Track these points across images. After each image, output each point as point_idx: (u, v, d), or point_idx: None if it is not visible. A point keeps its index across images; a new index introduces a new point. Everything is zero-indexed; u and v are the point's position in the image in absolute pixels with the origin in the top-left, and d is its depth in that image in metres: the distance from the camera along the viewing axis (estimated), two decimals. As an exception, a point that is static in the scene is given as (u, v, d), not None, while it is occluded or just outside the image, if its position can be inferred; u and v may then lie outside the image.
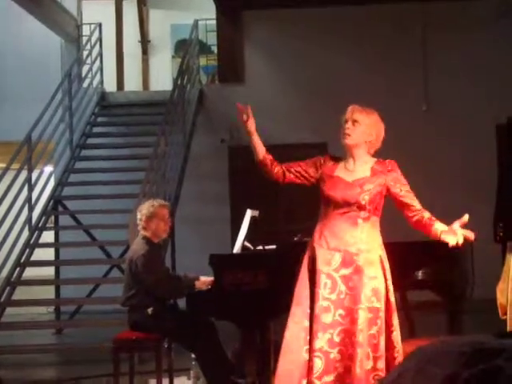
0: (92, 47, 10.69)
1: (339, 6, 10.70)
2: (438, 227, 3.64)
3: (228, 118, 10.74)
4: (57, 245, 9.26)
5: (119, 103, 11.01)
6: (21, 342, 8.02)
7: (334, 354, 3.54)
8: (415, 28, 10.62)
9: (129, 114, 10.75)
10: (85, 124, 10.19)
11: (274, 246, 4.96)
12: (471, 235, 3.62)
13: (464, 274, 4.71)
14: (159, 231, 5.21)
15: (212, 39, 11.59)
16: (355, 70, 10.59)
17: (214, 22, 11.25)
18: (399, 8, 10.61)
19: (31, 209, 8.52)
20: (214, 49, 11.63)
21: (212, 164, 10.73)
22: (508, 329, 4.08)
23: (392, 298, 3.64)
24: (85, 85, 10.67)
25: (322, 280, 3.62)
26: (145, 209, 5.21)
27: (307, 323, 3.62)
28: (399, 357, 3.57)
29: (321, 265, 3.65)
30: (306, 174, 3.82)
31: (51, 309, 9.70)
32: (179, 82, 9.83)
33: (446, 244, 3.62)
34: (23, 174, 8.44)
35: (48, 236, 9.25)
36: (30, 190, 8.54)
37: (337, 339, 3.56)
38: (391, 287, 3.65)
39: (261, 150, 3.90)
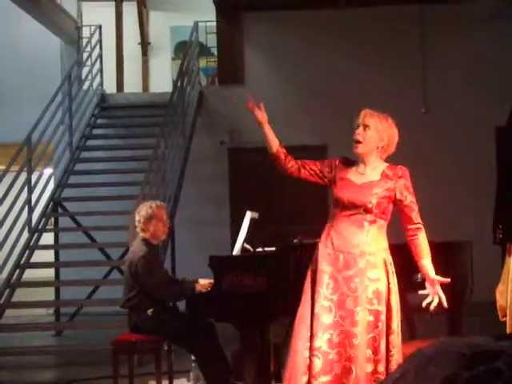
0: (92, 49, 10.70)
1: (338, 9, 10.71)
2: (425, 265, 3.70)
3: (228, 120, 10.76)
4: (56, 246, 9.26)
5: (119, 105, 11.01)
6: (20, 344, 8.01)
7: (333, 354, 3.55)
8: (414, 30, 10.63)
9: (129, 115, 10.75)
10: (84, 126, 10.19)
11: (273, 248, 4.97)
12: (444, 302, 3.68)
13: (463, 276, 4.72)
14: (158, 233, 5.21)
15: (212, 41, 11.59)
16: (354, 71, 10.60)
17: (214, 23, 11.26)
18: (398, 10, 10.62)
19: (31, 210, 8.52)
20: (214, 51, 11.64)
21: (212, 166, 10.73)
22: (508, 331, 4.08)
23: (394, 302, 3.63)
24: (85, 87, 10.68)
25: (325, 280, 3.64)
26: (143, 210, 5.20)
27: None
28: (393, 361, 3.56)
29: (324, 265, 3.67)
30: (320, 174, 3.84)
31: (51, 311, 9.70)
32: (179, 84, 9.83)
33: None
34: (23, 176, 8.44)
35: (48, 238, 9.24)
36: (30, 191, 8.54)
37: (336, 340, 3.56)
38: (394, 291, 3.65)
39: (274, 143, 3.89)
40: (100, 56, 11.00)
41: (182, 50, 11.44)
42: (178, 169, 9.28)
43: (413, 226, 3.72)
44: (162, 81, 11.90)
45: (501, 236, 4.02)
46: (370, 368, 3.55)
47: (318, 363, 3.54)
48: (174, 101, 9.50)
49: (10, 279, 7.96)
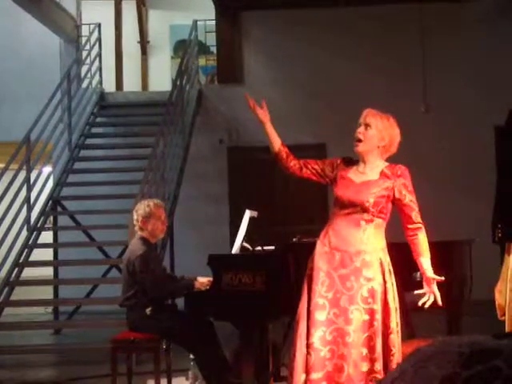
0: (91, 47, 10.69)
1: (338, 8, 10.71)
2: (423, 263, 3.72)
3: (227, 119, 10.76)
4: (55, 245, 9.26)
5: (118, 103, 11.01)
6: (19, 343, 8.01)
7: (325, 352, 3.56)
8: (414, 29, 10.62)
9: (128, 114, 10.75)
10: (84, 124, 10.19)
11: (272, 247, 4.97)
12: (439, 301, 3.70)
13: (462, 275, 4.72)
14: (156, 231, 5.20)
15: (211, 40, 11.59)
16: (354, 70, 10.60)
17: (213, 22, 11.25)
18: (398, 9, 10.62)
19: (30, 209, 8.52)
20: (213, 49, 11.64)
21: (211, 164, 10.74)
22: (506, 329, 4.08)
23: (391, 301, 3.62)
24: (84, 85, 10.67)
25: (321, 278, 3.65)
26: (141, 209, 5.19)
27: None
28: (394, 360, 3.56)
29: (321, 263, 3.68)
30: (321, 173, 3.85)
31: (49, 309, 9.70)
32: (178, 83, 9.83)
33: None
34: (22, 174, 8.44)
35: (46, 236, 9.24)
36: (29, 190, 8.53)
37: (329, 338, 3.57)
38: (391, 290, 3.65)
39: (276, 142, 3.91)
40: (99, 54, 11.00)
41: (182, 48, 11.44)
42: (177, 167, 9.28)
43: (412, 226, 3.71)
44: (162, 79, 11.90)
45: (500, 235, 4.03)
46: (365, 367, 3.55)
47: (310, 360, 3.56)
48: (173, 99, 9.50)
49: (9, 277, 7.96)
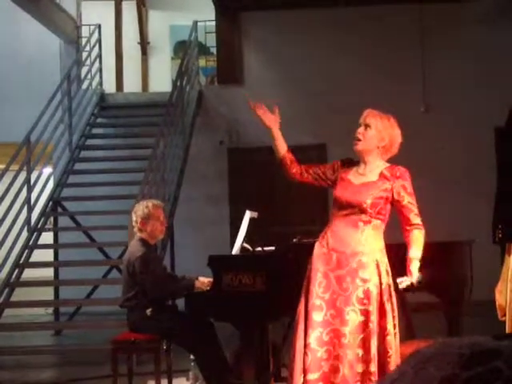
0: (91, 48, 10.69)
1: (338, 8, 10.71)
2: (411, 257, 3.68)
3: (227, 120, 10.76)
4: (56, 246, 9.26)
5: (118, 104, 11.01)
6: (19, 344, 8.01)
7: (321, 352, 3.56)
8: (414, 29, 10.63)
9: (128, 115, 10.75)
10: (84, 125, 10.19)
11: (272, 248, 4.97)
12: (414, 282, 3.67)
13: (462, 276, 4.71)
14: (155, 232, 5.20)
15: (211, 41, 11.59)
16: (354, 71, 10.60)
17: (214, 23, 11.25)
18: (398, 9, 10.62)
19: (30, 210, 8.52)
20: (214, 50, 11.64)
21: (211, 165, 10.74)
22: (507, 330, 4.08)
23: (387, 303, 3.61)
24: (84, 86, 10.68)
25: (318, 278, 3.65)
26: (139, 210, 5.19)
27: None
28: (391, 362, 3.55)
29: (318, 264, 3.69)
30: (323, 176, 3.86)
31: (50, 310, 9.70)
32: (178, 84, 9.83)
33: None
34: (22, 175, 8.44)
35: (47, 237, 9.24)
36: (29, 190, 8.54)
37: (326, 338, 3.57)
38: (387, 292, 3.63)
39: (282, 148, 3.92)
40: (99, 55, 11.00)
41: (182, 49, 11.44)
42: (177, 168, 9.28)
43: (410, 228, 3.71)
44: (162, 80, 11.90)
45: (500, 235, 4.03)
46: (361, 368, 3.54)
47: (307, 360, 3.56)
48: (173, 100, 9.50)
49: (9, 278, 7.96)
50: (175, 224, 9.16)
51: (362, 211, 3.65)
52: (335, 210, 3.75)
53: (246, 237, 4.82)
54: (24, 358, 7.44)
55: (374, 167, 3.75)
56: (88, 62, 10.66)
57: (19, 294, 8.35)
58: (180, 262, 9.04)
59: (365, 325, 3.56)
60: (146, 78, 12.29)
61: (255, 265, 4.42)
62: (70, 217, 9.36)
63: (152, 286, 4.98)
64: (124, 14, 11.77)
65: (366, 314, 3.56)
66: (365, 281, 3.59)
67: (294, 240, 4.65)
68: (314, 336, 3.57)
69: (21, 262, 8.18)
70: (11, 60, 11.22)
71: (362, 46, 10.65)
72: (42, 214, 8.84)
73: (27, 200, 8.50)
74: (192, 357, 5.18)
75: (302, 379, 3.60)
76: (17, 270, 8.10)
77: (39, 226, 8.68)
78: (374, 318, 3.56)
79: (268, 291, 4.27)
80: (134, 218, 5.22)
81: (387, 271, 3.67)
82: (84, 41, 10.92)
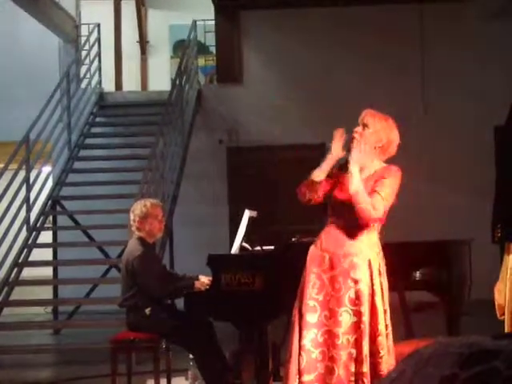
0: (90, 47, 10.69)
1: (338, 7, 10.71)
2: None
3: (226, 119, 10.76)
4: (55, 245, 9.26)
5: (117, 103, 11.01)
6: (18, 343, 8.01)
7: (316, 354, 3.56)
8: (414, 29, 10.63)
9: (127, 114, 10.75)
10: (83, 124, 10.19)
11: (272, 247, 4.97)
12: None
13: (462, 275, 4.72)
14: (154, 231, 5.19)
15: (210, 40, 11.59)
16: (353, 70, 10.59)
17: (213, 22, 11.25)
18: (398, 8, 10.62)
19: (29, 209, 8.52)
20: (213, 49, 11.63)
21: (210, 164, 10.73)
22: (506, 329, 4.08)
23: (378, 303, 3.59)
24: (83, 85, 10.67)
25: (312, 280, 3.65)
26: (137, 209, 5.18)
27: None
28: (383, 363, 3.54)
29: (312, 265, 3.69)
30: (329, 193, 3.75)
31: (49, 309, 9.69)
32: (177, 83, 9.83)
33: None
34: (21, 174, 8.44)
35: (46, 236, 9.24)
36: (28, 189, 8.53)
37: (320, 339, 3.58)
38: (379, 291, 3.60)
39: (324, 173, 3.74)
40: (98, 54, 10.99)
41: (181, 48, 11.43)
42: (176, 167, 9.28)
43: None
44: (161, 79, 11.90)
45: (499, 235, 4.02)
46: (354, 368, 3.54)
47: (302, 362, 3.57)
48: (172, 99, 9.49)
49: (8, 277, 7.96)
50: (174, 223, 9.16)
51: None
52: (330, 211, 3.75)
53: (245, 236, 4.82)
54: (23, 357, 7.44)
55: (370, 167, 3.73)
56: (87, 61, 10.66)
57: (18, 293, 8.35)
58: (179, 261, 9.03)
59: (357, 325, 3.55)
60: (145, 77, 12.29)
61: (254, 264, 4.42)
62: (69, 216, 9.36)
63: (151, 285, 4.97)
64: (123, 13, 11.77)
65: (358, 314, 3.55)
66: (356, 281, 3.58)
67: (293, 239, 4.65)
68: (309, 337, 3.57)
69: (20, 260, 8.18)
70: (10, 59, 11.21)
71: (361, 45, 10.64)
72: (41, 212, 8.84)
73: (26, 199, 8.49)
74: (191, 356, 5.18)
75: (297, 380, 3.59)
76: (16, 269, 8.10)
77: (38, 224, 8.68)
78: (365, 318, 3.55)
79: (267, 290, 4.27)
80: (131, 217, 5.22)
81: (379, 271, 3.64)
82: (83, 40, 10.91)
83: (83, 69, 10.74)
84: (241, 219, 4.89)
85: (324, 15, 10.79)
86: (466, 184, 10.16)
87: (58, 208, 9.23)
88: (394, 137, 3.78)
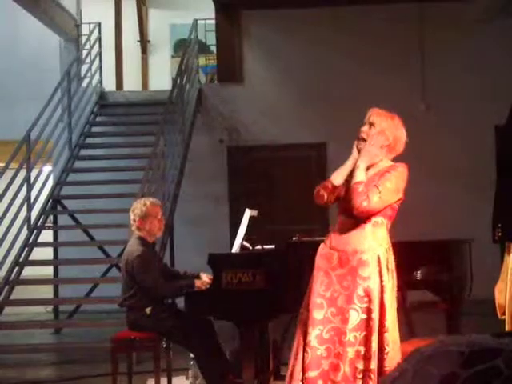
0: (91, 46, 10.69)
1: (338, 6, 10.70)
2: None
3: (227, 118, 10.76)
4: (55, 244, 9.26)
5: (118, 103, 11.01)
6: (19, 342, 8.01)
7: (321, 350, 3.57)
8: (414, 28, 10.62)
9: (128, 113, 10.75)
10: (84, 123, 10.19)
11: (272, 246, 4.97)
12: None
13: (462, 274, 4.72)
14: (154, 230, 5.20)
15: (211, 39, 11.59)
16: (354, 69, 10.59)
17: (213, 21, 11.25)
18: (398, 8, 10.61)
19: (30, 208, 8.51)
20: (213, 49, 11.63)
21: (211, 164, 10.73)
22: (506, 329, 4.08)
23: (386, 300, 3.59)
24: (84, 84, 10.67)
25: (320, 277, 3.66)
26: (137, 209, 5.18)
27: None
28: (388, 359, 3.55)
29: (321, 262, 3.69)
30: (339, 194, 3.76)
31: (50, 308, 9.70)
32: (178, 82, 9.82)
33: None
34: (22, 173, 8.43)
35: (47, 235, 9.24)
36: (29, 189, 8.53)
37: (326, 336, 3.58)
38: (388, 289, 3.61)
39: (343, 179, 3.73)
40: (99, 53, 10.99)
41: (182, 47, 11.43)
42: (177, 166, 9.28)
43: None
44: (162, 79, 11.90)
45: (500, 234, 4.02)
46: (362, 365, 3.55)
47: (307, 358, 3.57)
48: (173, 99, 9.49)
49: (9, 277, 7.96)
50: (175, 222, 9.16)
51: None
52: (339, 209, 3.77)
53: (245, 235, 4.82)
54: (23, 356, 7.44)
55: (378, 166, 3.73)
56: (88, 60, 10.65)
57: (19, 292, 8.35)
58: (180, 260, 9.03)
59: (366, 322, 3.55)
60: (146, 76, 12.29)
61: (255, 263, 4.42)
62: (70, 215, 9.36)
63: (151, 285, 4.97)
64: (124, 12, 11.77)
65: (367, 311, 3.56)
66: (365, 279, 3.58)
67: (294, 238, 4.65)
68: (315, 334, 3.58)
69: (20, 260, 8.18)
70: (11, 58, 11.21)
71: (362, 44, 10.64)
72: (42, 212, 8.84)
73: (27, 198, 8.49)
74: (191, 355, 5.18)
75: (301, 377, 3.60)
76: (16, 268, 8.09)
77: (39, 224, 8.68)
78: (375, 315, 3.56)
79: (267, 289, 4.27)
80: (132, 217, 5.22)
81: (388, 268, 3.64)
82: (84, 39, 10.91)
83: (84, 68, 10.73)
84: (241, 218, 4.89)
85: (324, 15, 10.78)
86: (467, 184, 10.16)
87: (59, 207, 9.23)
88: (401, 135, 3.78)
